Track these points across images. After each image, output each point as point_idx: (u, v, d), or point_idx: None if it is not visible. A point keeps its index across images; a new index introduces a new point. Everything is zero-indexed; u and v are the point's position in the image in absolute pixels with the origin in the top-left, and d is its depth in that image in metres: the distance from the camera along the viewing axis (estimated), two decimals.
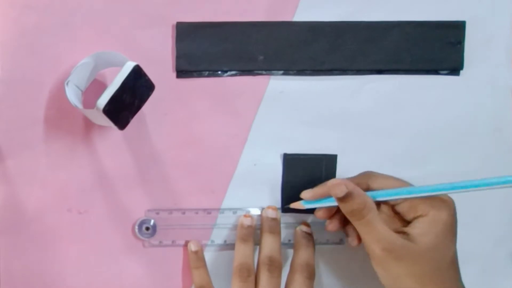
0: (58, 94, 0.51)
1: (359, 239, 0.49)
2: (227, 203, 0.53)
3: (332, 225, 0.50)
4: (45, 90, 0.51)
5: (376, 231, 0.45)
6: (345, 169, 0.53)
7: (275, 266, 0.49)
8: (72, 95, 0.49)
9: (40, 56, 0.51)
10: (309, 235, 0.52)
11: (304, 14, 0.53)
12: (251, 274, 0.49)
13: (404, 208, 0.47)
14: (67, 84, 0.48)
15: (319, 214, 0.51)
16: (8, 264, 0.51)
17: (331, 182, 0.47)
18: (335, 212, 0.51)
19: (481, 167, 0.55)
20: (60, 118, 0.51)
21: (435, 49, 0.53)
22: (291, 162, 0.53)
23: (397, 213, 0.48)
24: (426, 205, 0.46)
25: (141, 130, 0.52)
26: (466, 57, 0.54)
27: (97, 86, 0.51)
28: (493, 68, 0.54)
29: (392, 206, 0.49)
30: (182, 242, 0.53)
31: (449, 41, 0.53)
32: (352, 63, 0.53)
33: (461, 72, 0.54)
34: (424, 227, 0.46)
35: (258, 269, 0.49)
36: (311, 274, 0.49)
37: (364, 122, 0.54)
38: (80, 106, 0.49)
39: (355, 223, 0.46)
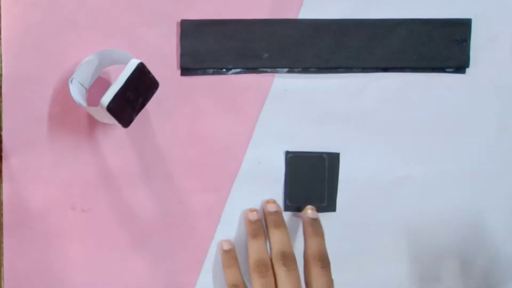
0: (62, 91, 0.51)
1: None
2: (231, 201, 0.53)
3: None
4: (49, 88, 0.51)
5: None
6: (349, 167, 0.53)
7: (289, 260, 0.49)
8: (76, 93, 0.48)
9: (44, 53, 0.51)
10: (316, 221, 0.51)
11: (309, 11, 0.52)
12: (269, 269, 0.49)
13: None
14: (71, 81, 0.48)
15: None
16: (12, 261, 0.51)
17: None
18: None
19: (485, 165, 0.55)
20: (64, 115, 0.51)
21: (440, 47, 0.53)
22: (293, 160, 0.53)
23: None
24: None
25: (145, 128, 0.52)
26: (471, 55, 0.53)
27: (101, 83, 0.51)
28: (499, 66, 0.54)
29: None
30: None
31: (454, 39, 0.53)
32: (357, 61, 0.53)
33: (467, 70, 0.54)
34: None
35: (274, 265, 0.49)
36: (325, 263, 0.49)
37: (369, 120, 0.54)
38: (84, 103, 0.49)
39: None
